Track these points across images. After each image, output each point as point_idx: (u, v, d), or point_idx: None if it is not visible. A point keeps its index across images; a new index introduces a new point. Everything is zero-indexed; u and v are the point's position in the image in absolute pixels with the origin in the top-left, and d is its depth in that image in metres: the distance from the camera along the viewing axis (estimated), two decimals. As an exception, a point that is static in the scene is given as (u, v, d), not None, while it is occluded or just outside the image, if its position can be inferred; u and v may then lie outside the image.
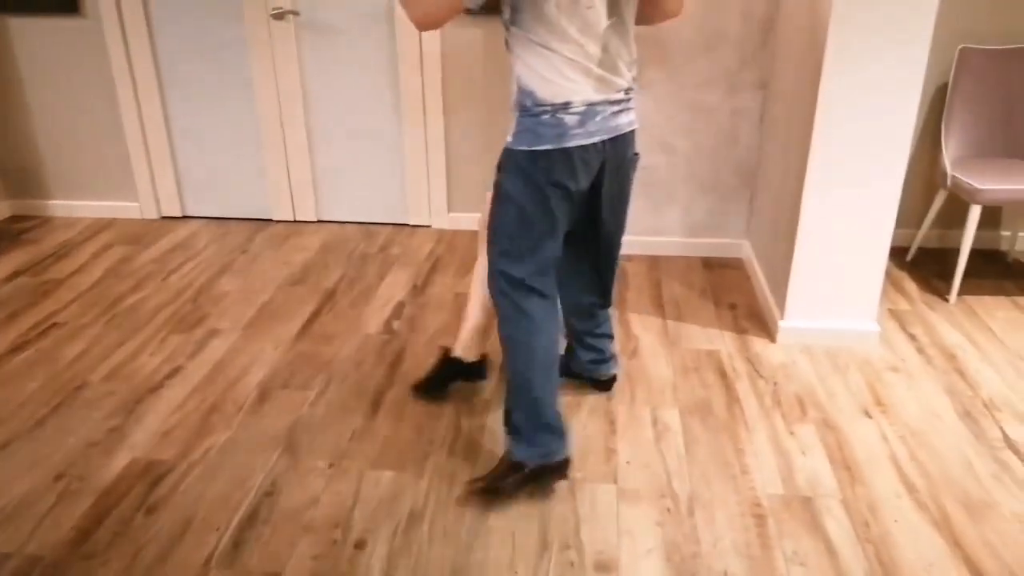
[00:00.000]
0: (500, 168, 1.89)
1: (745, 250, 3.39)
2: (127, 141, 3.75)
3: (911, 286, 3.14)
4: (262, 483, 2.06)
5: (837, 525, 1.92)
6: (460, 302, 3.01)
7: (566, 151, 1.80)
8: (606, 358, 2.37)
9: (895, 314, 2.92)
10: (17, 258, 3.47)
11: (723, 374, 2.54)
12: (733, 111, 3.21)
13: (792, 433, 2.25)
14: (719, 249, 3.44)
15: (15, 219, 3.92)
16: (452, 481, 2.06)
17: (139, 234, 3.70)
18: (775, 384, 2.49)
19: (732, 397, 2.42)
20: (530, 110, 1.79)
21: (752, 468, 2.11)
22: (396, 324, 2.85)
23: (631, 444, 2.21)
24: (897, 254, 3.36)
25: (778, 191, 2.88)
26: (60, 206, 3.94)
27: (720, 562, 1.81)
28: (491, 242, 1.93)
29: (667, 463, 2.13)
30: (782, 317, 2.72)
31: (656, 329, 2.82)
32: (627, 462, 2.13)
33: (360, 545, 1.86)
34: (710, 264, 3.37)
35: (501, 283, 1.93)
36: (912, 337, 2.76)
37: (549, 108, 1.78)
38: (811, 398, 2.42)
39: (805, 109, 2.52)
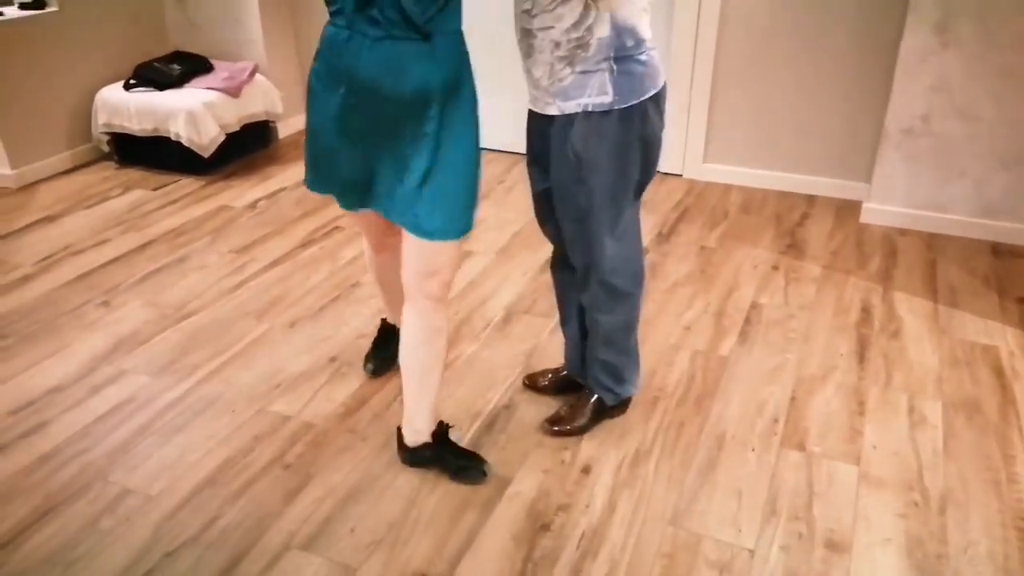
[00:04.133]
0: (585, 148, 1.64)
1: (1046, 240, 2.96)
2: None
3: None
4: (501, 396, 2.19)
5: (1124, 562, 1.66)
6: (705, 255, 2.95)
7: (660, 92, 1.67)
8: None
9: None
10: (310, 167, 3.91)
11: (999, 372, 2.27)
12: (1059, 78, 2.78)
13: (1079, 450, 1.97)
14: (1014, 235, 3.02)
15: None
16: (680, 430, 2.05)
17: (411, 156, 4.00)
18: (1064, 393, 2.18)
19: (1007, 399, 2.16)
20: (630, 52, 1.57)
21: (1022, 478, 1.88)
22: (639, 269, 2.85)
23: (880, 429, 2.05)
24: None
25: (1105, 175, 2.47)
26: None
27: (970, 568, 1.65)
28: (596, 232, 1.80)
29: (920, 455, 1.96)
30: (1085, 320, 2.36)
31: (924, 313, 2.57)
32: (873, 446, 1.99)
33: (586, 471, 1.92)
34: (1000, 250, 2.98)
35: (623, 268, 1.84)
36: None
37: (647, 46, 1.61)
38: (1110, 416, 2.09)
39: None
